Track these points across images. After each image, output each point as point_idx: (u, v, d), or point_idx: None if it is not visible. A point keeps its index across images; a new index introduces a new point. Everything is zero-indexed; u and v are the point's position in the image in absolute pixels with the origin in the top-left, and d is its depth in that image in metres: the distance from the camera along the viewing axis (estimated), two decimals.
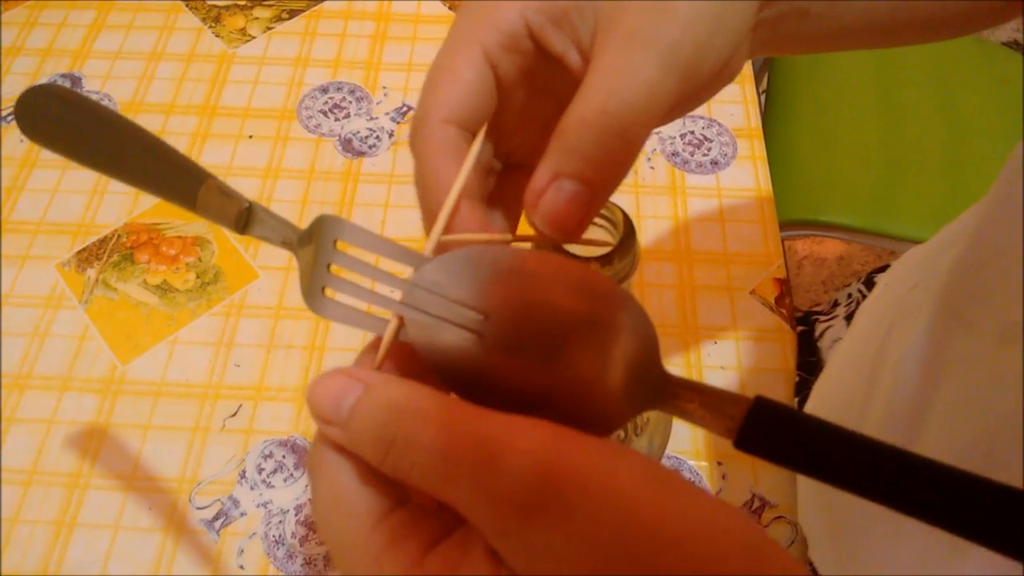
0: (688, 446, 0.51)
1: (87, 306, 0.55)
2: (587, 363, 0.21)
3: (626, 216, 0.24)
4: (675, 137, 0.63)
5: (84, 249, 0.58)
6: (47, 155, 0.62)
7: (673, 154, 0.63)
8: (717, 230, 0.59)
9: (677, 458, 0.50)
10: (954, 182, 0.95)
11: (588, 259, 0.22)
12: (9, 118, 0.65)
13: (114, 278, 0.56)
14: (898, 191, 0.94)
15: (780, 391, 0.52)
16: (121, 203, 0.60)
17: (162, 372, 0.53)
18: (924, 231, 0.92)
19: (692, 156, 0.63)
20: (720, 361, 0.54)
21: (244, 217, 0.25)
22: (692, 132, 0.64)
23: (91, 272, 0.57)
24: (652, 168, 0.62)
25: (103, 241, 0.58)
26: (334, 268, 0.23)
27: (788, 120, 1.00)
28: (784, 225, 0.93)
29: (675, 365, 0.54)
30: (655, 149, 0.63)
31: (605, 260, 0.22)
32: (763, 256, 0.58)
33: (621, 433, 0.29)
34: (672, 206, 0.60)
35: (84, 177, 0.61)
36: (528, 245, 0.23)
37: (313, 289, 0.23)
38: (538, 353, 0.21)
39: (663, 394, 0.22)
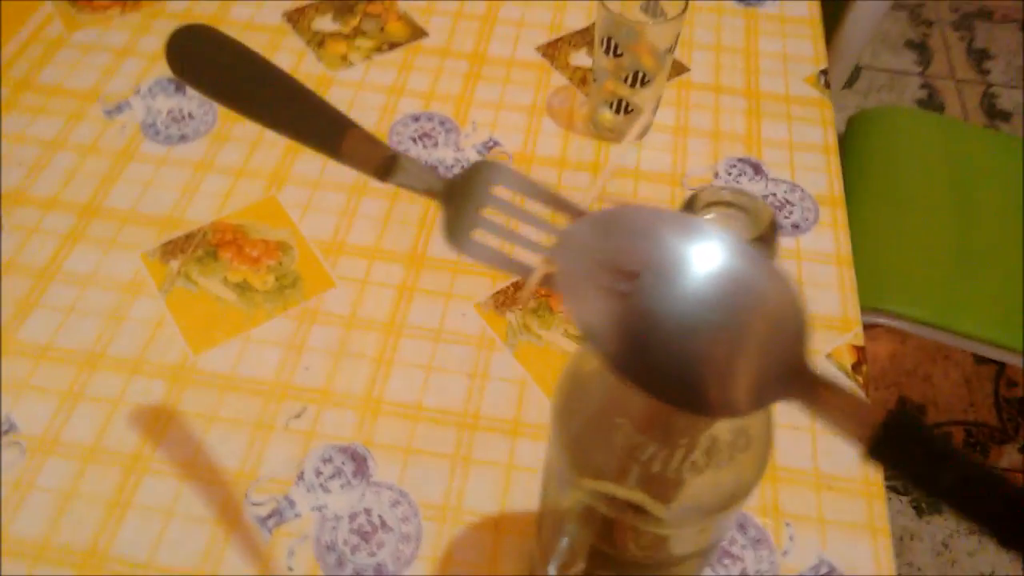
0: (756, 502, 0.49)
1: (166, 296, 0.56)
2: (732, 336, 0.21)
3: (773, 213, 0.23)
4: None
5: (170, 242, 0.59)
6: (146, 149, 0.65)
7: None
8: None
9: (743, 513, 0.48)
10: None
11: None
12: (112, 113, 0.67)
13: (196, 272, 0.57)
14: (966, 288, 0.93)
15: (855, 456, 0.51)
16: (211, 203, 0.61)
17: (232, 366, 0.53)
18: (989, 331, 0.90)
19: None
20: (794, 422, 0.52)
21: (387, 165, 0.26)
22: (775, 194, 0.64)
23: (174, 264, 0.57)
24: None
25: (189, 236, 0.59)
26: (487, 211, 0.23)
27: (858, 205, 1.00)
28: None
29: None
30: None
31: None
32: (840, 322, 0.57)
33: (727, 446, 0.28)
34: None
35: (178, 174, 0.63)
36: None
37: (461, 231, 0.23)
38: (683, 318, 0.21)
39: (803, 388, 0.21)
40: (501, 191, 0.23)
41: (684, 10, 0.59)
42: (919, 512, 1.23)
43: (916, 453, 0.21)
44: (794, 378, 0.21)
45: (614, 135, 0.67)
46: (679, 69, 0.73)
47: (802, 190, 0.64)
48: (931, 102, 1.71)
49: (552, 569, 0.40)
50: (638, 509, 0.30)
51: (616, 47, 0.61)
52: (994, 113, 1.70)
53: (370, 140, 0.26)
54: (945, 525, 1.21)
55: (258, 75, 0.29)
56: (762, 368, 0.21)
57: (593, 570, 0.35)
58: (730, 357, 0.21)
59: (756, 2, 0.78)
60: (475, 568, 0.46)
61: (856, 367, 0.55)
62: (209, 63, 0.29)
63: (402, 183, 0.26)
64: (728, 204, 0.24)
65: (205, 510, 0.47)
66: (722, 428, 0.29)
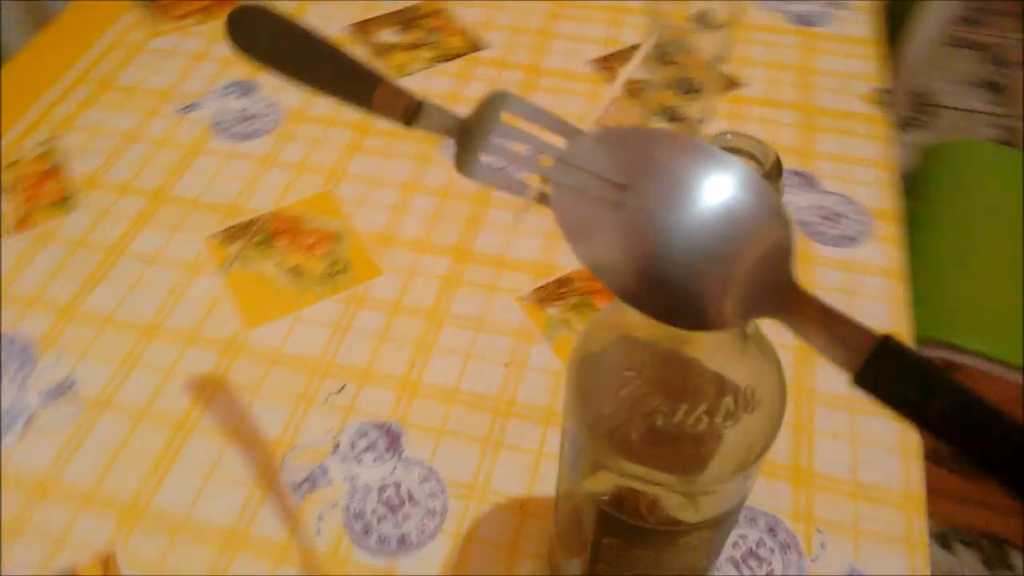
0: (788, 507, 0.48)
1: (225, 275, 0.59)
2: (719, 251, 0.21)
3: (777, 156, 0.24)
4: (804, 207, 0.63)
5: (232, 227, 0.62)
6: (214, 145, 0.68)
7: (803, 223, 0.62)
8: (843, 302, 0.58)
9: (774, 516, 0.48)
10: None
11: None
12: (186, 110, 0.71)
13: (253, 255, 0.60)
14: None
15: (897, 470, 0.49)
16: (272, 194, 0.64)
17: (281, 343, 0.55)
18: None
19: (826, 230, 0.62)
20: (832, 427, 0.51)
21: (412, 111, 0.27)
22: (826, 206, 0.64)
23: (234, 247, 0.60)
24: None
25: (250, 223, 0.62)
26: (494, 137, 0.25)
27: (927, 235, 0.98)
28: (917, 341, 0.89)
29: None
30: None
31: None
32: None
33: (732, 405, 0.28)
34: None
35: (243, 168, 0.66)
36: None
37: (470, 155, 0.24)
38: (669, 229, 0.21)
39: (787, 304, 0.21)
40: (508, 118, 0.25)
41: (733, 18, 0.60)
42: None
43: (905, 380, 0.20)
44: (778, 293, 0.21)
45: None
46: (733, 84, 0.73)
47: (854, 203, 0.64)
48: (1007, 141, 1.67)
49: (565, 554, 0.41)
50: (654, 475, 0.31)
51: (666, 56, 0.62)
52: None
53: (397, 91, 0.28)
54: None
55: (302, 44, 0.31)
56: (749, 282, 0.21)
57: (600, 539, 0.35)
58: (717, 271, 0.21)
59: (813, 23, 0.79)
60: (496, 546, 0.46)
61: None
62: (263, 37, 0.32)
63: (425, 127, 0.27)
64: (734, 150, 0.25)
65: (244, 472, 0.48)
66: (727, 387, 0.29)
